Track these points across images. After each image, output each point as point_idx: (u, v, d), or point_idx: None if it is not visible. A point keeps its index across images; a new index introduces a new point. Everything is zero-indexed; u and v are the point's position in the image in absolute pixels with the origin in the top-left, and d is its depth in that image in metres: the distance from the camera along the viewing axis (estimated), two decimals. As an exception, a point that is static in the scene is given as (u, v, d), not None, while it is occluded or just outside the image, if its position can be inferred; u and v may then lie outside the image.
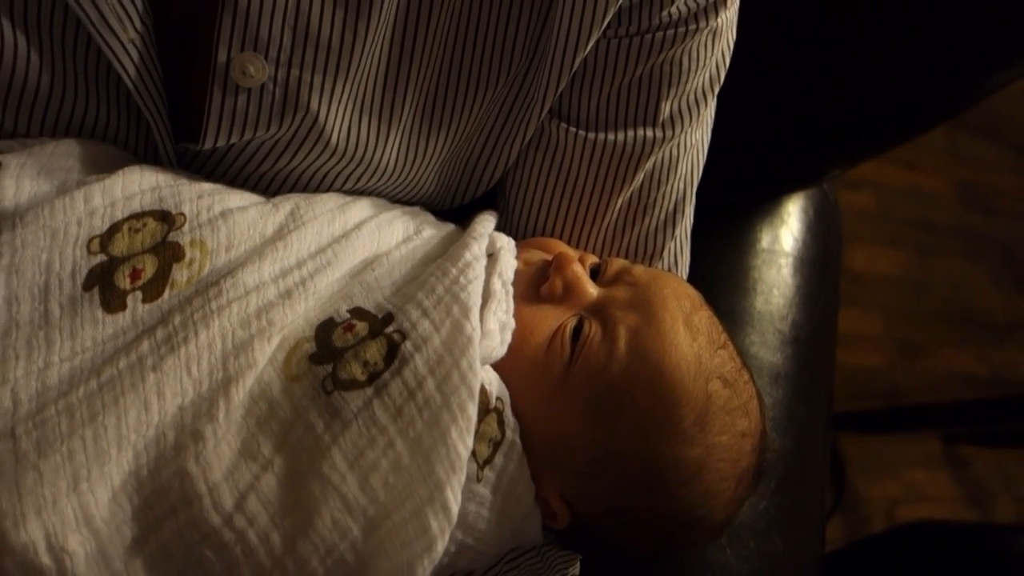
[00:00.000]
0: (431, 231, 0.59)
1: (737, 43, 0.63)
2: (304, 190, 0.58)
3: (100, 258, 0.47)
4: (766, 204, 0.95)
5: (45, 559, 0.40)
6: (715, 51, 0.61)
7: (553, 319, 0.55)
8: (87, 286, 0.46)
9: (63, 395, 0.43)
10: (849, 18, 0.81)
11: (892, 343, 2.30)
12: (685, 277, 0.69)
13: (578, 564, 0.66)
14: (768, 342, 0.87)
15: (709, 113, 0.64)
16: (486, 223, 0.59)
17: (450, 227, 0.61)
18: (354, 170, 0.56)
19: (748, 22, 0.64)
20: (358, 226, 0.54)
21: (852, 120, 0.89)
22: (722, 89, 0.65)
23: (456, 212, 0.65)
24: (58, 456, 0.41)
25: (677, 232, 0.67)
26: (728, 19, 0.59)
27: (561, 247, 0.61)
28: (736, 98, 0.67)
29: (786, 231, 0.94)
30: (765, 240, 0.93)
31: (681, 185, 0.65)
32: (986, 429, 2.35)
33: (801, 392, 0.86)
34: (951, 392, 2.34)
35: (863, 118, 0.88)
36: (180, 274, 0.48)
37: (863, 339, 2.26)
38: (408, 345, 0.48)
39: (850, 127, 0.89)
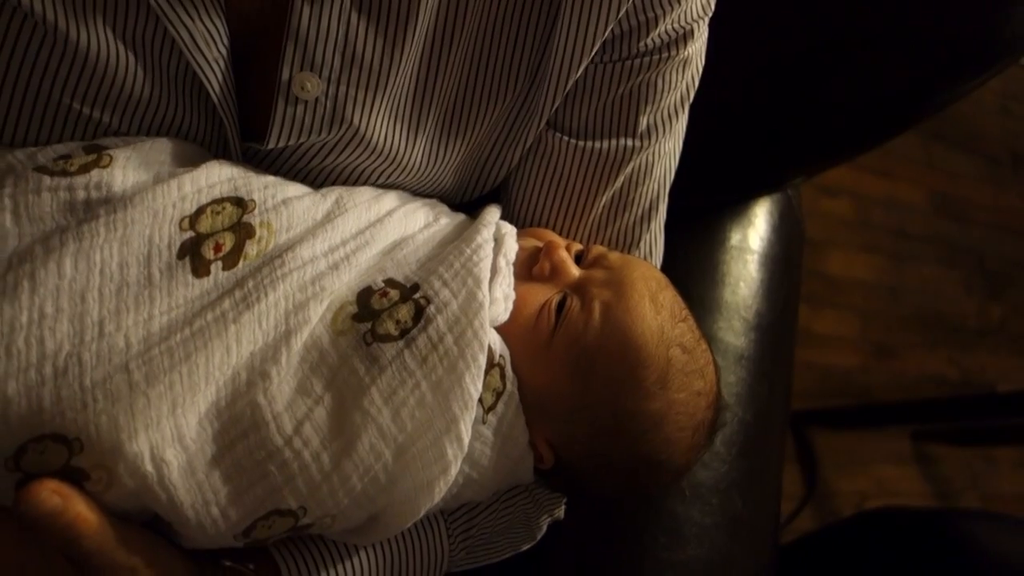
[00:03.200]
0: (447, 219, 0.67)
1: (711, 71, 0.71)
2: (344, 183, 0.65)
3: (189, 234, 0.54)
4: (736, 206, 1.02)
5: (148, 467, 0.48)
6: (685, 75, 0.69)
7: (542, 295, 0.63)
8: (180, 255, 0.53)
9: (164, 339, 0.51)
10: (807, 49, 0.89)
11: (867, 344, 2.35)
12: (659, 265, 0.77)
13: (563, 507, 0.73)
14: (734, 328, 0.95)
15: (680, 126, 0.72)
16: (493, 213, 0.67)
17: (462, 216, 0.69)
18: (386, 168, 0.65)
19: (719, 52, 0.71)
20: (389, 213, 0.63)
21: (811, 135, 0.96)
22: (699, 107, 0.72)
23: (466, 205, 0.73)
24: (161, 386, 0.49)
25: (652, 226, 0.75)
26: (697, 49, 0.68)
27: (551, 236, 0.70)
28: (711, 115, 0.75)
29: (753, 231, 1.02)
30: (734, 238, 1.00)
31: (656, 186, 0.73)
32: (954, 428, 2.37)
33: (762, 373, 0.95)
34: (922, 393, 2.39)
35: (821, 134, 0.96)
36: (251, 248, 0.56)
37: (839, 340, 2.31)
38: (432, 308, 0.57)
39: (809, 141, 0.97)
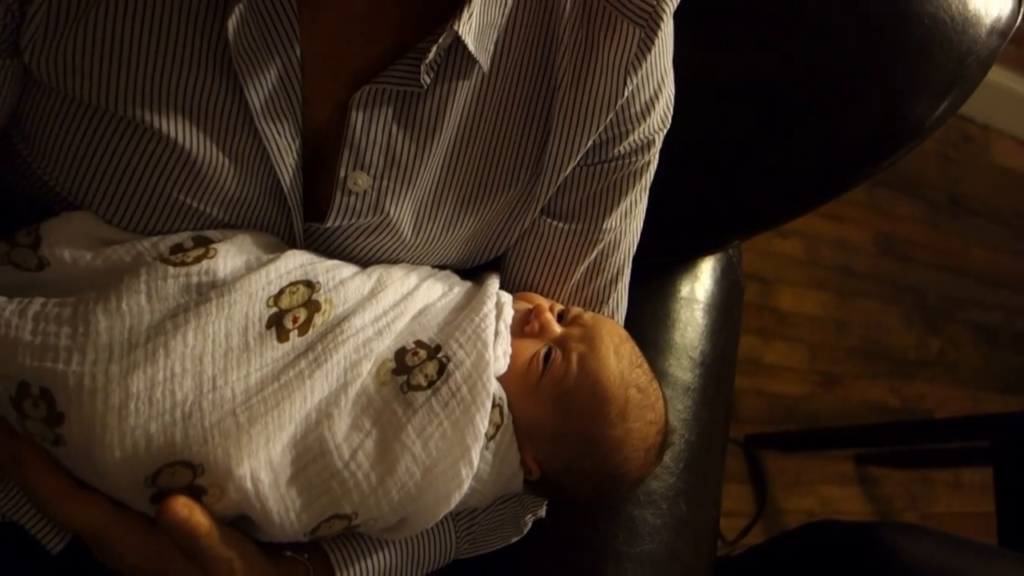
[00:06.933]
0: (458, 288, 0.77)
1: (665, 161, 0.81)
2: (377, 259, 0.75)
3: (274, 309, 0.65)
4: (685, 264, 1.14)
5: (249, 485, 0.60)
6: (647, 173, 0.80)
7: (532, 348, 0.74)
8: (267, 326, 0.64)
9: (259, 391, 0.62)
10: (739, 139, 1.02)
11: (814, 374, 2.46)
12: (623, 319, 0.88)
13: (544, 507, 0.86)
14: (682, 365, 1.06)
15: (642, 209, 0.84)
16: (494, 284, 0.78)
17: (468, 284, 0.79)
18: (410, 244, 0.75)
19: (671, 146, 0.80)
20: (416, 287, 0.73)
21: (744, 208, 1.09)
22: (658, 187, 0.83)
23: (470, 272, 0.82)
24: (259, 426, 0.60)
25: (619, 287, 0.87)
26: (653, 153, 0.79)
27: (539, 300, 0.80)
28: (666, 193, 0.86)
29: (699, 284, 1.13)
30: (684, 290, 1.12)
31: (622, 257, 0.85)
32: (895, 452, 2.48)
33: (704, 402, 1.06)
34: (865, 419, 2.46)
35: (752, 207, 1.08)
36: (318, 319, 0.66)
37: (788, 370, 2.40)
38: (451, 365, 0.68)
39: (743, 213, 1.10)
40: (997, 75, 2.99)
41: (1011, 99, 3.10)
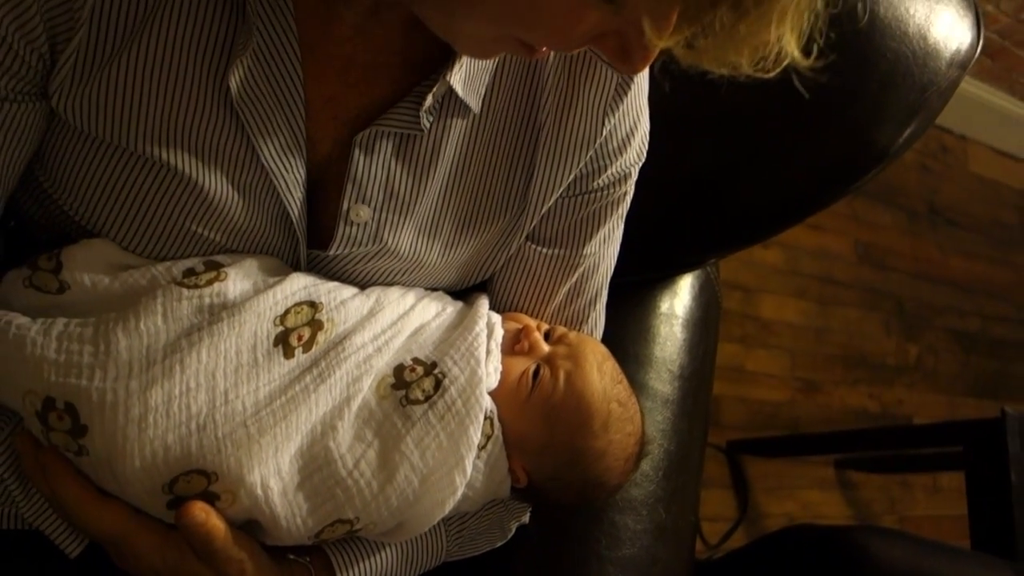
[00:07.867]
0: (451, 308, 0.81)
1: (648, 184, 0.85)
2: (376, 281, 0.79)
3: (280, 328, 0.68)
4: (666, 281, 1.18)
5: (259, 491, 0.64)
6: (624, 202, 0.85)
7: (522, 365, 0.78)
8: (275, 344, 0.68)
9: (267, 404, 0.66)
10: (719, 165, 1.08)
11: (795, 381, 2.52)
12: (600, 335, 0.93)
13: (528, 513, 0.91)
14: (662, 377, 1.10)
15: (619, 235, 0.88)
16: (484, 305, 0.81)
17: (460, 304, 0.83)
18: (406, 268, 0.78)
19: (653, 169, 0.84)
20: (412, 307, 0.77)
21: (722, 228, 1.14)
22: (638, 212, 0.87)
23: (460, 292, 0.86)
24: (269, 436, 0.65)
25: (598, 307, 0.92)
26: (630, 184, 0.83)
27: (527, 320, 0.84)
28: (647, 214, 0.89)
29: (678, 300, 1.17)
30: (664, 306, 1.16)
31: (600, 279, 0.89)
32: (874, 457, 2.49)
33: (683, 412, 1.10)
34: (845, 425, 2.51)
35: (730, 228, 1.13)
36: (321, 337, 0.70)
37: (770, 377, 2.46)
38: (447, 381, 0.72)
39: (720, 233, 1.14)
40: (974, 87, 3.07)
41: (987, 111, 3.18)
